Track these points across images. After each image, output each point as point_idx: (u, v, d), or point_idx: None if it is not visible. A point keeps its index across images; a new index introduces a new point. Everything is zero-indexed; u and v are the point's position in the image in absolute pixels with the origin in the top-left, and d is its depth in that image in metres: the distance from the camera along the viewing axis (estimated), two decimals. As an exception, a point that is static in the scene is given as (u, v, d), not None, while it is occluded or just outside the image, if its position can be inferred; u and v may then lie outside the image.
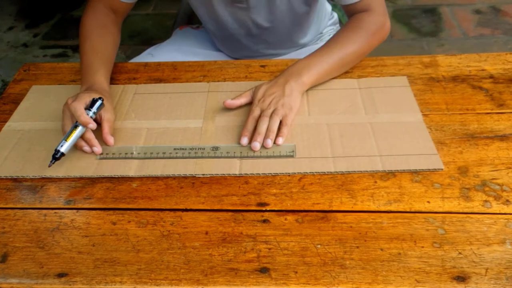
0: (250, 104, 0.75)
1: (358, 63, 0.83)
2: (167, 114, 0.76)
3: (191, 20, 1.16)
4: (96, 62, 0.79)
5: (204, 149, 0.69)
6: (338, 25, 1.09)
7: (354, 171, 0.64)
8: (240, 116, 0.75)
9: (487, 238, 0.55)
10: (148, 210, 0.61)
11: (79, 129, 0.67)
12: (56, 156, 0.66)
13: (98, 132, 0.70)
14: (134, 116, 0.76)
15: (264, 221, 0.59)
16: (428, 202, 0.60)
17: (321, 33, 1.04)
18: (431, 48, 1.97)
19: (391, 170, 0.64)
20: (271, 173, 0.65)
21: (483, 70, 0.81)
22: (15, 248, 0.58)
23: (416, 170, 0.64)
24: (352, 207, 0.60)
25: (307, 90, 0.77)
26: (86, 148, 0.69)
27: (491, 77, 0.80)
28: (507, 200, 0.59)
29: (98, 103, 0.69)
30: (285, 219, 0.59)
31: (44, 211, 0.62)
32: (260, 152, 0.68)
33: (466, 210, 0.59)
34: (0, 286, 0.54)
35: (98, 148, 0.69)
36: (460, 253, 0.54)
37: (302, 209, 0.60)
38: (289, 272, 0.53)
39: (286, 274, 0.53)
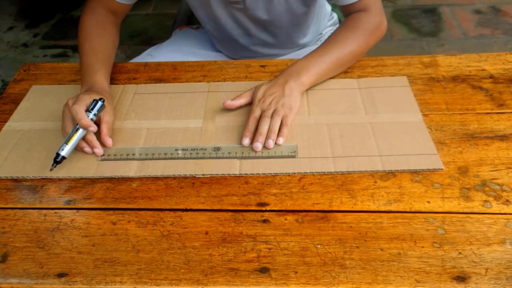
0: (249, 104, 0.75)
1: (358, 63, 0.83)
2: (167, 114, 0.76)
3: (191, 20, 1.16)
4: (96, 63, 0.79)
5: (205, 149, 0.69)
6: (338, 25, 1.09)
7: (354, 171, 0.64)
8: (240, 116, 0.75)
9: (487, 238, 0.55)
10: (148, 210, 0.61)
11: (80, 132, 0.67)
12: (57, 160, 0.66)
13: (98, 133, 0.70)
14: (134, 116, 0.76)
15: (264, 221, 0.59)
16: (428, 202, 0.60)
17: (321, 33, 1.04)
18: (431, 48, 1.97)
19: (391, 170, 0.64)
20: (271, 173, 0.65)
21: (483, 70, 0.81)
22: (15, 248, 0.58)
23: (416, 170, 0.64)
24: (352, 207, 0.60)
25: (307, 90, 0.77)
26: (87, 149, 0.69)
27: (491, 77, 0.80)
28: (507, 200, 0.59)
29: (99, 104, 0.69)
30: (285, 219, 0.59)
31: (44, 211, 0.62)
32: (262, 152, 0.68)
33: (466, 210, 0.59)
34: (0, 286, 0.54)
35: (99, 150, 0.69)
36: (460, 253, 0.54)
37: (302, 209, 0.60)
38: (289, 272, 0.53)
39: (286, 274, 0.53)
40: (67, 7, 2.45)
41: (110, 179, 0.66)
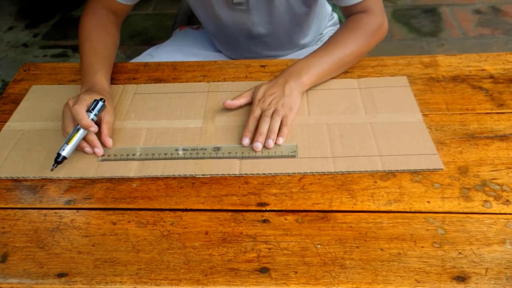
0: (249, 104, 0.75)
1: (358, 63, 0.83)
2: (167, 114, 0.76)
3: (191, 20, 1.16)
4: (96, 63, 0.79)
5: (206, 149, 0.69)
6: (338, 25, 1.09)
7: (354, 171, 0.64)
8: (240, 116, 0.75)
9: (487, 238, 0.55)
10: (148, 210, 0.61)
11: (81, 132, 0.67)
12: (58, 160, 0.66)
13: (99, 133, 0.70)
14: (134, 116, 0.76)
15: (264, 221, 0.59)
16: (428, 202, 0.60)
17: (321, 34, 1.04)
18: (431, 48, 1.97)
19: (391, 170, 0.64)
20: (271, 173, 0.65)
21: (483, 70, 0.81)
22: (15, 248, 0.58)
23: (416, 170, 0.64)
24: (352, 207, 0.60)
25: (307, 90, 0.77)
26: (88, 149, 0.69)
27: (491, 77, 0.80)
28: (507, 200, 0.59)
29: (100, 104, 0.69)
30: (285, 219, 0.59)
31: (44, 211, 0.62)
32: (262, 152, 0.68)
33: (466, 210, 0.59)
34: (0, 286, 0.54)
35: (99, 150, 0.69)
36: (460, 253, 0.54)
37: (302, 209, 0.60)
38: (289, 272, 0.53)
39: (286, 274, 0.53)
40: (67, 7, 2.45)
41: (110, 179, 0.66)
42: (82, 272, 0.54)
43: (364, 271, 0.53)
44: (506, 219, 0.57)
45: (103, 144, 0.70)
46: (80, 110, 0.67)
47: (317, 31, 1.02)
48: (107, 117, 0.71)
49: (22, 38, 2.27)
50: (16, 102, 0.82)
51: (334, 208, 0.60)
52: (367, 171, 0.64)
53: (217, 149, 0.69)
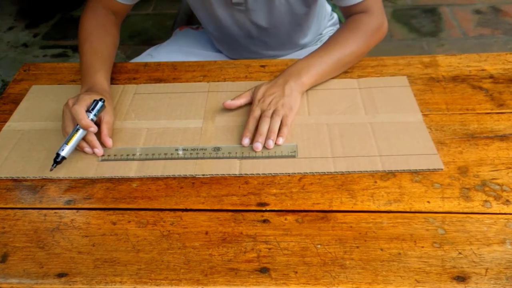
0: (249, 104, 0.75)
1: (358, 63, 0.83)
2: (167, 114, 0.76)
3: (191, 20, 1.16)
4: (96, 63, 0.79)
5: (205, 149, 0.69)
6: (338, 25, 1.09)
7: (354, 171, 0.64)
8: (240, 116, 0.75)
9: (487, 238, 0.55)
10: (148, 210, 0.61)
11: (80, 132, 0.67)
12: (57, 160, 0.66)
13: (98, 133, 0.70)
14: (134, 116, 0.76)
15: (264, 221, 0.59)
16: (428, 202, 0.60)
17: (321, 34, 1.04)
18: (431, 48, 1.97)
19: (391, 170, 0.64)
20: (271, 173, 0.65)
21: (483, 70, 0.81)
22: (15, 248, 0.58)
23: (416, 170, 0.64)
24: (352, 207, 0.60)
25: (307, 90, 0.77)
26: (88, 149, 0.69)
27: (491, 77, 0.80)
28: (507, 200, 0.59)
29: (99, 104, 0.69)
30: (285, 219, 0.59)
31: (44, 211, 0.62)
32: (262, 152, 0.68)
33: (466, 210, 0.59)
34: (0, 286, 0.54)
35: (99, 150, 0.69)
36: (460, 253, 0.54)
37: (302, 209, 0.60)
38: (289, 272, 0.53)
39: (286, 274, 0.53)
40: (67, 7, 2.45)
41: (110, 179, 0.66)
42: (82, 272, 0.54)
43: (364, 271, 0.53)
44: (506, 219, 0.57)
45: (103, 144, 0.70)
46: (80, 110, 0.67)
47: (317, 31, 1.02)
48: (107, 117, 0.71)
49: (22, 38, 2.27)
50: (16, 102, 0.82)
51: (334, 208, 0.60)
52: (367, 171, 0.64)
53: (217, 149, 0.69)
